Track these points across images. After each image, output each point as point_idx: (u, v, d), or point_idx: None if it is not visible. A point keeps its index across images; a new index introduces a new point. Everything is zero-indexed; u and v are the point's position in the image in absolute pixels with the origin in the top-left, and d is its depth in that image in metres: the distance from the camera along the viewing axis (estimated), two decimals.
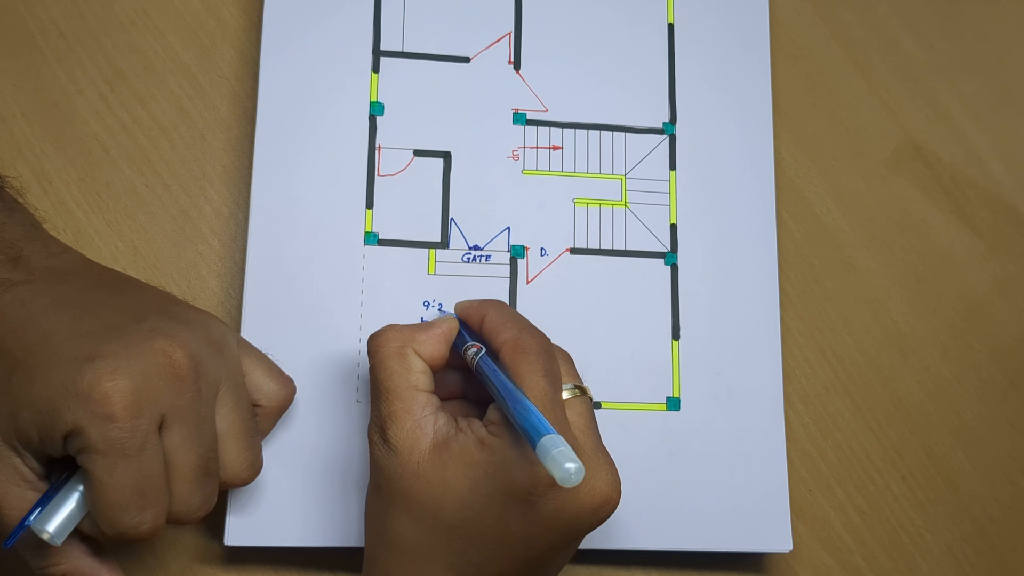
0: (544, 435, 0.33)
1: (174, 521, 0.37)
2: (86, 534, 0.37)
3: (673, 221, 0.49)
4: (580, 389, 0.40)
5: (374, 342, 0.40)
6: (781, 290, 0.51)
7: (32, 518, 0.35)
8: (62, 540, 0.35)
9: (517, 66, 0.49)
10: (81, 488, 0.36)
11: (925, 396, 0.52)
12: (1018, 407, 0.53)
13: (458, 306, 0.43)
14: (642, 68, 0.51)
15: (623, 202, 0.49)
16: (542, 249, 0.48)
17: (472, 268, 0.47)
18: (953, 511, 0.51)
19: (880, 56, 0.56)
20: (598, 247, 0.48)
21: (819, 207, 0.53)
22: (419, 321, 0.46)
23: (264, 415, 0.41)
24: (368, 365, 0.40)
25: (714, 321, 0.48)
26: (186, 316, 0.39)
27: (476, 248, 0.47)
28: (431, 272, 0.47)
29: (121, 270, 0.46)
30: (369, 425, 0.40)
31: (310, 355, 0.45)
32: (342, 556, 0.45)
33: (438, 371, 0.41)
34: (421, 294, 0.46)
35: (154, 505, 0.35)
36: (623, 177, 0.49)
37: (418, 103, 0.48)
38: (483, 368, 0.39)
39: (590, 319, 0.47)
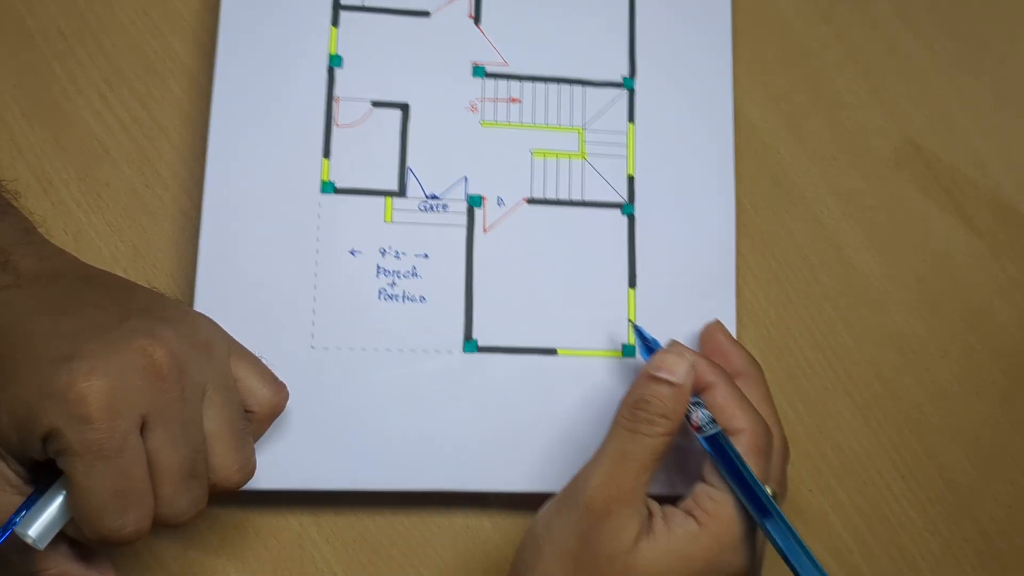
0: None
1: (162, 523, 0.36)
2: (73, 538, 0.37)
3: (631, 173, 0.50)
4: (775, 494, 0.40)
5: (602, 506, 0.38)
6: (780, 288, 0.51)
7: (16, 522, 0.35)
8: (45, 544, 0.35)
9: (477, 19, 0.50)
10: (65, 491, 0.35)
11: (925, 396, 0.52)
12: (1018, 407, 0.53)
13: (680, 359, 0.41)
14: (602, 23, 0.51)
15: (581, 154, 0.49)
16: (499, 199, 0.48)
17: (429, 216, 0.47)
18: (953, 511, 0.51)
19: (880, 56, 0.56)
20: (555, 197, 0.49)
21: (819, 207, 0.53)
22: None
23: (257, 421, 0.41)
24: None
25: (670, 270, 0.49)
26: (171, 315, 0.38)
27: (434, 197, 0.48)
28: (388, 220, 0.47)
29: (121, 270, 0.46)
30: (556, 528, 0.39)
31: (265, 302, 0.45)
32: (303, 498, 0.46)
33: None
34: (378, 241, 0.47)
35: (136, 507, 0.35)
36: (581, 129, 0.50)
37: (377, 56, 0.49)
38: (720, 455, 0.39)
39: (547, 268, 0.48)
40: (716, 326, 0.47)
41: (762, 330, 0.51)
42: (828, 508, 0.50)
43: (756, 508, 0.38)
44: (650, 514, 0.39)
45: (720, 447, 0.39)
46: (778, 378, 0.51)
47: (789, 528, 0.37)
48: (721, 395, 0.40)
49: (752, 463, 0.39)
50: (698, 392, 0.41)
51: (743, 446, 0.39)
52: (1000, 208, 0.55)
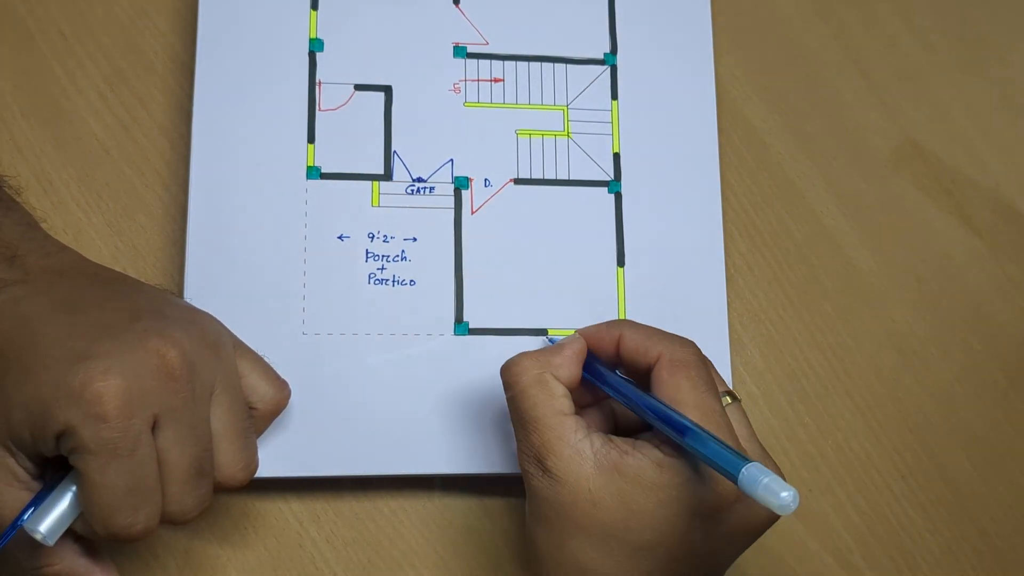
0: (743, 465, 0.33)
1: (169, 521, 0.37)
2: (80, 534, 0.37)
3: (616, 150, 0.50)
4: (730, 395, 0.40)
5: (511, 372, 0.40)
6: (780, 288, 0.51)
7: (25, 518, 0.35)
8: (55, 540, 0.35)
9: (457, 0, 0.50)
10: (74, 488, 0.36)
11: (925, 396, 0.52)
12: (1019, 407, 0.53)
13: (583, 332, 0.42)
14: None
15: (566, 132, 0.50)
16: (486, 180, 0.48)
17: (416, 200, 0.47)
18: (953, 511, 0.51)
19: (880, 56, 0.56)
20: (542, 177, 0.49)
21: (819, 207, 0.53)
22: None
23: (258, 418, 0.41)
24: (507, 394, 0.40)
25: (659, 247, 0.49)
26: (181, 316, 0.39)
27: (420, 180, 0.48)
28: (375, 204, 0.47)
29: (121, 269, 0.46)
30: (520, 457, 0.39)
31: (255, 290, 0.45)
32: (298, 485, 0.46)
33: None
34: (366, 226, 0.47)
35: (147, 505, 0.35)
36: (565, 108, 0.50)
37: (358, 39, 0.49)
38: (635, 398, 0.39)
39: (536, 248, 0.48)
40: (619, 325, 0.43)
41: (762, 330, 0.51)
42: (828, 508, 0.50)
43: (674, 430, 0.36)
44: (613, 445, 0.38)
45: (641, 398, 0.39)
46: (778, 378, 0.51)
47: (707, 433, 0.35)
48: (629, 339, 0.40)
49: (678, 381, 0.38)
50: (615, 353, 0.41)
51: (665, 367, 0.38)
52: (1000, 208, 0.55)
